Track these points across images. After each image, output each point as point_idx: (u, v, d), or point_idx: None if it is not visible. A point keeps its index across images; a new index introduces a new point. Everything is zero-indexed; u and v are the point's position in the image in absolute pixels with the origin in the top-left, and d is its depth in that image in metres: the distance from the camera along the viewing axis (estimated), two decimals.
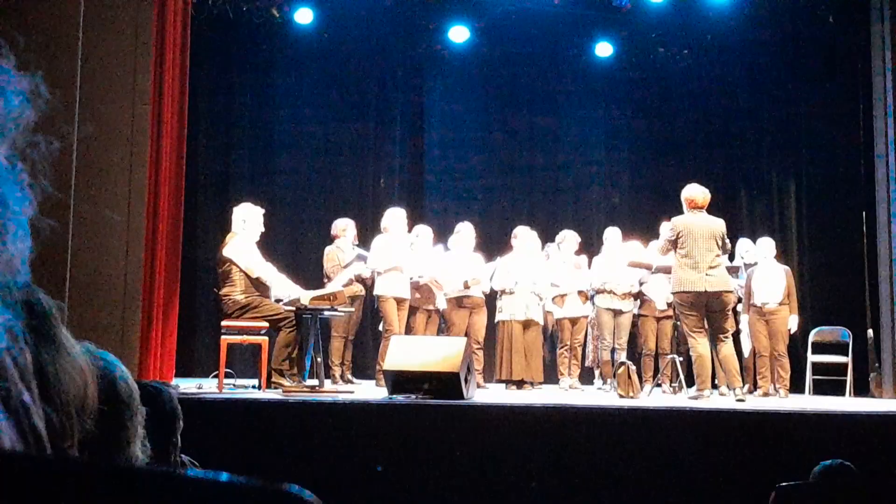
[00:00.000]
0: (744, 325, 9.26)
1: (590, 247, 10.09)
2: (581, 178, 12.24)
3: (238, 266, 7.33)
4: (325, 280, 8.91)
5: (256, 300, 7.30)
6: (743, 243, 9.66)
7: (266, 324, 7.22)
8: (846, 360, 9.48)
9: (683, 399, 7.89)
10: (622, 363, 8.04)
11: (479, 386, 8.09)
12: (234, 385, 7.79)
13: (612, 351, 9.34)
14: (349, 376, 9.17)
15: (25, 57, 0.84)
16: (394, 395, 6.56)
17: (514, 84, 12.10)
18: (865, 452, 5.53)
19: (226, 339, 7.17)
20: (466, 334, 8.70)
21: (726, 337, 7.76)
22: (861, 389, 9.53)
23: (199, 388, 7.32)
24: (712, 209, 7.92)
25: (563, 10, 11.18)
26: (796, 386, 9.15)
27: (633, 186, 12.22)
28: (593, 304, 9.52)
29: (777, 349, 8.84)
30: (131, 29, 6.68)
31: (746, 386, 8.58)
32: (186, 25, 8.12)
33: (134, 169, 6.64)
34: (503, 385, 9.01)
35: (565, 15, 11.28)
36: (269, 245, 8.64)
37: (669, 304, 9.15)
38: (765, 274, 9.01)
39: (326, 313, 7.49)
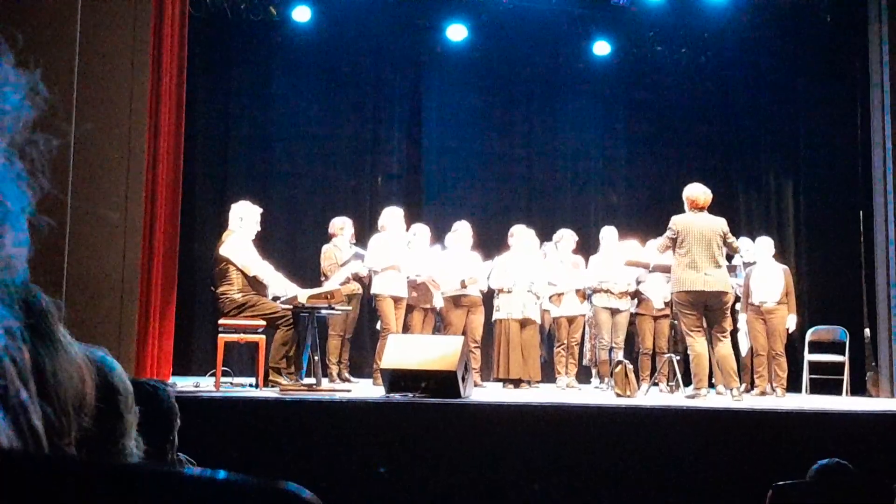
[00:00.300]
0: (742, 325, 9.26)
1: (587, 246, 10.09)
2: (579, 176, 12.24)
3: (235, 265, 7.33)
4: (323, 278, 8.90)
5: (254, 299, 7.30)
6: (743, 242, 9.66)
7: (263, 322, 7.22)
8: (843, 359, 9.49)
9: (680, 398, 7.90)
10: (619, 362, 8.04)
11: (476, 385, 8.10)
12: (231, 383, 7.79)
13: (610, 350, 9.34)
14: (346, 375, 9.17)
15: (23, 54, 0.83)
16: (391, 394, 6.55)
17: (512, 83, 12.10)
18: (862, 451, 5.54)
19: (223, 338, 7.17)
20: (464, 333, 8.71)
21: (724, 336, 7.77)
22: (858, 388, 9.55)
23: (197, 386, 7.32)
24: (711, 208, 7.93)
25: (560, 8, 11.20)
26: (793, 385, 9.16)
27: (631, 185, 12.23)
28: (591, 302, 9.52)
29: (775, 348, 8.85)
30: (129, 27, 6.67)
31: (743, 385, 8.60)
32: (184, 23, 8.11)
33: (131, 167, 6.63)
34: (500, 384, 9.02)
35: (563, 13, 11.29)
36: (267, 243, 8.64)
37: (667, 303, 9.15)
38: (763, 273, 9.02)
39: (324, 312, 7.49)
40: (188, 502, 0.62)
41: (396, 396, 6.45)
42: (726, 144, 12.14)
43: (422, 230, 9.33)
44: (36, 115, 0.80)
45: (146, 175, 7.00)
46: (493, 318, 9.14)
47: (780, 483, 3.71)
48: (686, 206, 7.87)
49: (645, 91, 12.15)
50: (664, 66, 11.98)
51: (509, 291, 8.99)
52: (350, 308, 8.70)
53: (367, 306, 9.58)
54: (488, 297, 9.27)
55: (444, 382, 6.47)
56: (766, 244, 9.18)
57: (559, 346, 9.43)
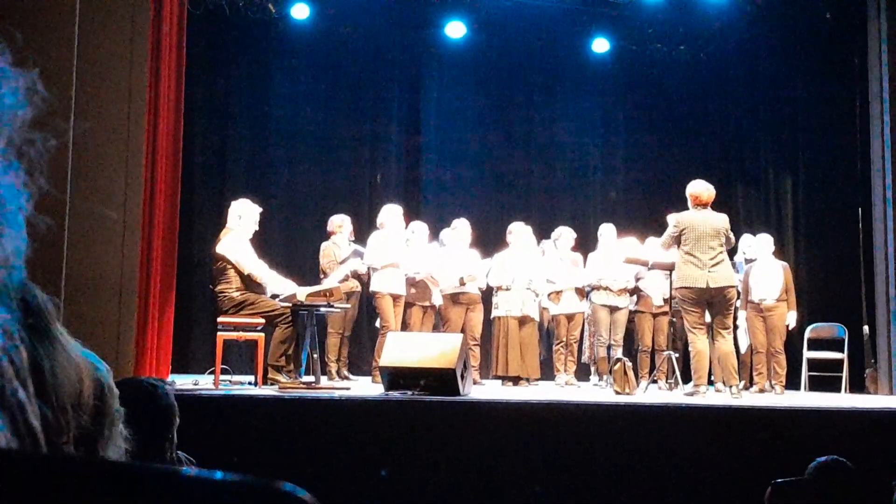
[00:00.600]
0: (741, 322, 9.26)
1: (586, 243, 10.08)
2: (577, 174, 12.24)
3: (232, 263, 7.33)
4: (322, 276, 8.90)
5: (252, 297, 7.30)
6: (745, 239, 9.65)
7: (262, 320, 7.22)
8: (842, 356, 9.49)
9: (679, 395, 7.90)
10: (618, 359, 8.04)
11: (475, 382, 8.10)
12: (230, 381, 7.79)
13: (609, 347, 9.34)
14: (345, 373, 9.17)
15: (21, 53, 0.84)
16: (390, 392, 6.55)
17: (511, 80, 12.10)
18: (861, 448, 5.54)
19: (222, 336, 7.17)
20: (463, 331, 8.71)
21: (727, 333, 7.79)
22: (857, 386, 9.55)
23: (196, 384, 7.32)
24: (711, 205, 7.94)
25: (559, 5, 11.20)
26: (792, 382, 9.16)
27: (630, 182, 12.23)
28: (589, 300, 9.52)
29: (774, 346, 8.85)
30: (128, 25, 6.66)
31: (742, 382, 8.61)
32: (183, 21, 8.11)
33: (130, 165, 6.62)
34: (499, 381, 9.02)
35: (562, 11, 11.29)
36: (266, 241, 8.65)
37: (666, 301, 9.16)
38: (763, 270, 9.02)
39: (323, 309, 7.49)
40: (185, 502, 0.62)
41: (395, 394, 6.45)
42: (725, 142, 12.14)
43: (420, 228, 9.33)
44: (34, 115, 0.80)
45: (145, 173, 7.00)
46: (492, 316, 9.15)
47: (779, 480, 3.71)
48: (689, 203, 7.89)
49: (644, 88, 12.15)
50: (663, 64, 11.98)
51: (508, 289, 9.00)
52: (349, 306, 8.70)
53: (367, 304, 9.59)
54: (487, 295, 9.27)
55: (443, 380, 6.48)
56: (765, 241, 9.18)
57: (558, 344, 9.43)
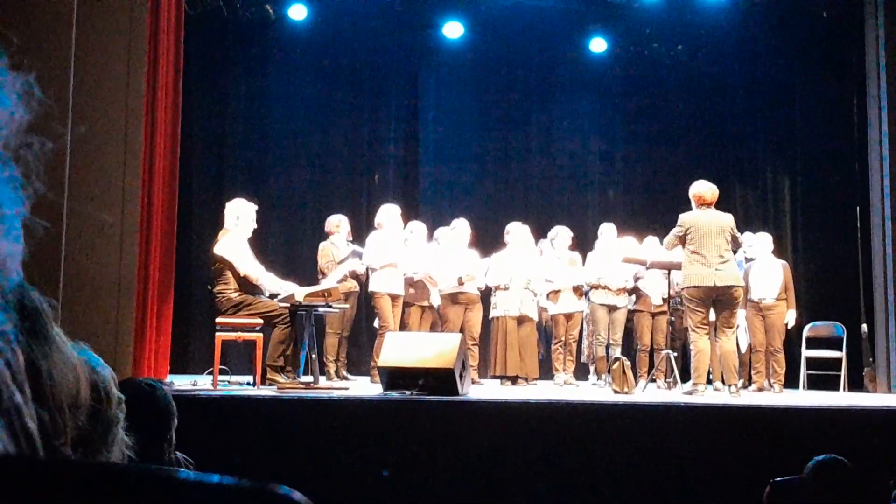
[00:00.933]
0: (741, 320, 9.25)
1: (583, 243, 10.08)
2: (575, 173, 12.24)
3: (229, 264, 7.33)
4: (320, 276, 8.91)
5: (250, 297, 7.30)
6: (746, 238, 9.65)
7: (261, 320, 7.22)
8: (840, 354, 9.50)
9: (678, 394, 7.90)
10: (617, 359, 8.04)
11: (473, 382, 8.10)
12: (228, 382, 7.79)
13: (607, 346, 9.35)
14: (344, 373, 9.17)
15: (19, 56, 0.84)
16: (389, 392, 6.56)
17: (509, 80, 12.10)
18: (859, 447, 5.55)
19: (220, 336, 7.17)
20: (461, 330, 8.71)
21: (731, 331, 7.80)
22: (855, 384, 9.56)
23: (194, 385, 7.32)
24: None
25: (557, 5, 11.20)
26: (790, 381, 9.17)
27: (627, 182, 12.24)
28: (588, 299, 9.52)
29: (773, 344, 8.86)
30: (125, 27, 6.66)
31: (741, 381, 8.61)
32: (180, 23, 8.11)
33: (128, 167, 6.62)
34: (498, 381, 9.02)
35: (559, 11, 11.30)
36: (264, 241, 8.66)
37: (665, 300, 9.17)
38: (762, 269, 9.02)
39: (321, 310, 7.49)
40: None
41: (394, 394, 6.46)
42: (723, 141, 12.14)
43: (418, 228, 9.33)
44: (31, 118, 0.80)
45: (143, 175, 7.00)
46: (491, 316, 9.15)
47: (778, 479, 3.71)
48: (693, 204, 7.89)
49: (641, 88, 12.15)
50: (661, 63, 11.99)
51: (506, 288, 9.00)
52: (347, 306, 8.71)
53: (365, 304, 9.59)
54: (486, 295, 9.27)
55: (441, 380, 6.48)
56: (765, 240, 9.19)
57: (557, 343, 9.43)
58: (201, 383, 7.43)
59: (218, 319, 7.27)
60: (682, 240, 7.78)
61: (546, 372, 9.62)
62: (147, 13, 7.05)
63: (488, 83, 12.09)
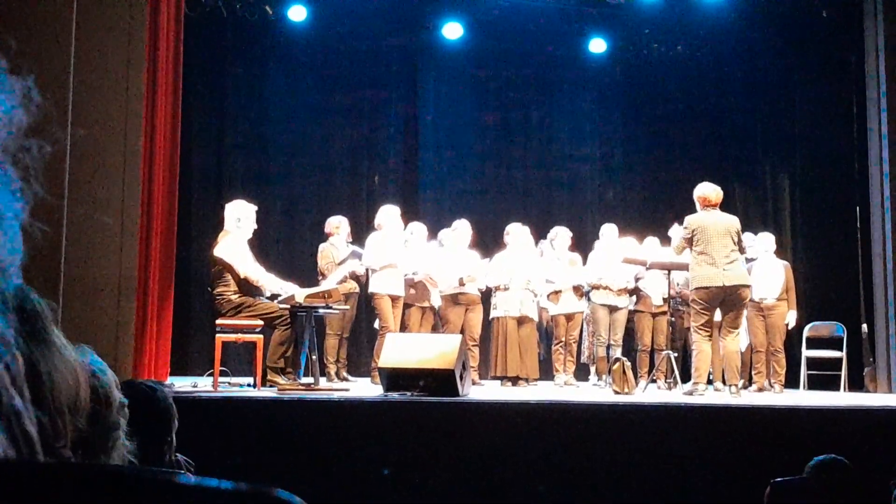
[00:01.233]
0: (742, 320, 9.25)
1: (583, 243, 10.08)
2: (575, 174, 12.23)
3: (229, 266, 7.33)
4: (320, 277, 8.90)
5: (250, 299, 7.30)
6: (747, 238, 9.63)
7: (261, 322, 7.21)
8: (840, 354, 9.50)
9: (678, 395, 7.90)
10: (617, 359, 8.04)
11: (474, 383, 8.10)
12: (229, 383, 7.79)
13: (608, 347, 9.35)
14: (344, 374, 9.17)
15: (19, 59, 0.84)
16: (389, 393, 6.56)
17: (508, 80, 12.10)
18: (859, 447, 5.55)
19: (220, 338, 7.16)
20: (462, 331, 8.71)
21: (735, 332, 7.81)
22: (855, 384, 9.56)
23: (195, 386, 7.31)
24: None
25: (556, 6, 11.20)
26: (791, 381, 9.17)
27: (627, 183, 12.23)
28: (589, 300, 9.52)
29: (774, 345, 8.86)
30: (125, 29, 6.66)
31: (741, 381, 8.61)
32: (180, 24, 8.11)
33: (128, 169, 6.63)
34: (498, 382, 9.02)
35: (559, 11, 11.29)
36: (264, 243, 8.65)
37: (665, 300, 9.16)
38: (763, 269, 9.02)
39: (321, 311, 7.49)
40: None
41: (394, 395, 6.46)
42: (723, 141, 12.13)
43: (419, 229, 9.34)
44: (31, 121, 0.80)
45: (142, 177, 7.01)
46: (491, 316, 9.15)
47: (778, 479, 3.71)
48: (698, 206, 7.89)
49: (641, 88, 12.15)
50: (660, 63, 11.99)
51: (506, 289, 9.00)
52: (347, 307, 8.71)
53: (365, 305, 9.59)
54: (486, 296, 9.27)
55: (442, 381, 6.48)
56: (767, 240, 9.18)
57: (557, 344, 9.42)
58: (201, 385, 7.43)
59: (218, 321, 7.27)
60: (689, 242, 7.78)
61: (546, 372, 9.62)
62: (146, 14, 7.05)
63: (488, 84, 12.09)
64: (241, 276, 7.31)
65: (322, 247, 9.20)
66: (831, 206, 10.93)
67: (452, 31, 11.42)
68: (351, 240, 9.34)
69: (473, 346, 8.84)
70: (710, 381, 8.05)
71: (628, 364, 7.94)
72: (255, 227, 7.71)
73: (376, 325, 8.93)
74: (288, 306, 7.26)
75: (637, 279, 9.44)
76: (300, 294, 7.27)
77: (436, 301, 9.11)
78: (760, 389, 8.73)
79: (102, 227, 6.31)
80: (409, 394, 6.43)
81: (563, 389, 8.98)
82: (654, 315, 9.48)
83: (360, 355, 10.19)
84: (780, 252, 9.44)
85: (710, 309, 7.72)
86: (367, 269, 8.92)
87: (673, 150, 12.03)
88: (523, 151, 12.18)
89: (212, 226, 9.21)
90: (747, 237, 9.45)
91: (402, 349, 6.84)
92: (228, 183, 10.88)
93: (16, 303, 0.83)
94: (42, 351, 1.01)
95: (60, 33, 5.75)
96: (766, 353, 8.87)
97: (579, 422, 6.21)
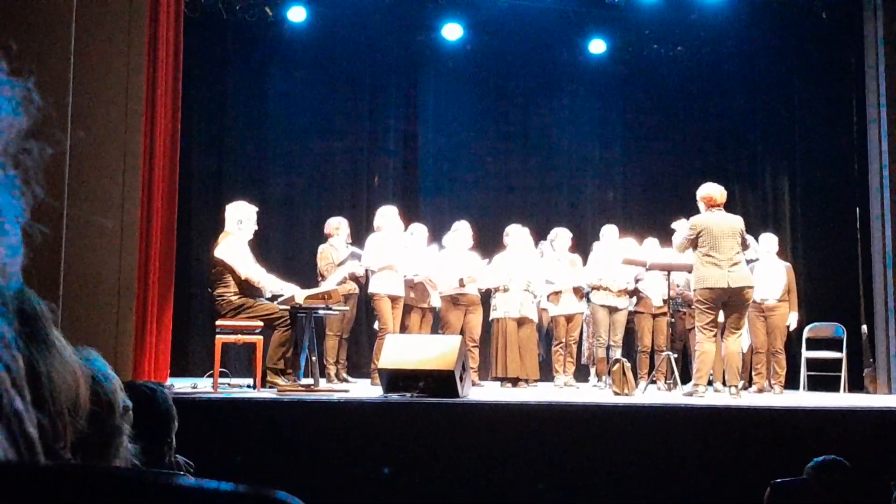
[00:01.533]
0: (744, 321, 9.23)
1: (583, 244, 10.09)
2: (575, 175, 12.24)
3: (229, 267, 7.33)
4: (319, 278, 8.91)
5: (250, 300, 7.30)
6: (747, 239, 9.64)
7: (261, 323, 7.21)
8: (840, 355, 9.50)
9: (678, 396, 7.90)
10: (617, 360, 8.05)
11: (474, 384, 8.10)
12: (228, 384, 7.78)
13: (608, 348, 9.35)
14: (344, 375, 9.17)
15: (18, 60, 0.84)
16: (389, 394, 6.56)
17: (508, 81, 12.11)
18: (859, 448, 5.55)
19: (220, 339, 7.16)
20: (461, 332, 8.70)
21: (737, 332, 7.81)
22: (855, 385, 9.56)
23: (194, 387, 7.31)
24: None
25: (556, 7, 11.20)
26: (791, 382, 9.17)
27: (627, 183, 12.24)
28: (588, 301, 9.52)
29: (774, 346, 8.86)
30: (124, 30, 6.66)
31: (741, 382, 8.60)
32: (179, 25, 8.10)
33: (127, 171, 6.62)
34: (498, 383, 9.02)
35: (558, 12, 11.30)
36: (263, 244, 8.65)
37: (665, 301, 9.16)
38: (765, 270, 9.01)
39: (321, 312, 7.49)
40: None
41: (394, 396, 6.45)
42: (722, 142, 12.14)
43: (419, 230, 9.34)
44: (30, 122, 0.80)
45: (142, 178, 7.00)
46: (491, 318, 9.15)
47: (778, 480, 3.72)
48: (703, 206, 7.88)
49: (641, 89, 12.16)
50: (660, 64, 11.99)
51: (506, 290, 9.00)
52: (347, 308, 8.71)
53: (365, 306, 9.59)
54: (486, 297, 9.27)
55: (441, 382, 6.48)
56: (769, 241, 9.18)
57: (557, 345, 9.42)
58: (201, 386, 7.42)
59: (218, 322, 7.27)
60: (694, 242, 7.77)
61: (546, 374, 9.62)
62: (146, 15, 7.05)
63: (488, 85, 12.09)
64: (242, 278, 7.31)
65: (321, 248, 9.20)
66: (831, 206, 10.93)
67: (452, 31, 11.43)
68: (350, 241, 9.34)
69: (473, 347, 8.84)
70: (709, 383, 8.05)
71: (628, 365, 7.94)
72: (256, 228, 7.72)
73: (376, 326, 8.93)
74: (288, 307, 7.27)
75: (637, 280, 9.43)
76: (300, 295, 7.27)
77: (436, 302, 9.12)
78: (760, 390, 8.73)
79: (102, 229, 6.31)
80: (408, 395, 6.43)
81: (562, 390, 8.99)
82: (654, 316, 9.48)
83: (359, 356, 10.19)
84: (781, 253, 9.44)
85: (714, 308, 7.72)
86: (366, 271, 8.92)
87: (673, 150, 12.03)
88: (523, 152, 12.18)
89: (212, 227, 9.21)
90: (749, 239, 9.46)
91: (402, 350, 6.84)
92: (228, 184, 10.88)
93: (16, 304, 0.83)
94: (42, 352, 1.01)
95: (60, 34, 5.75)
96: (767, 354, 8.87)
97: (579, 423, 6.21)
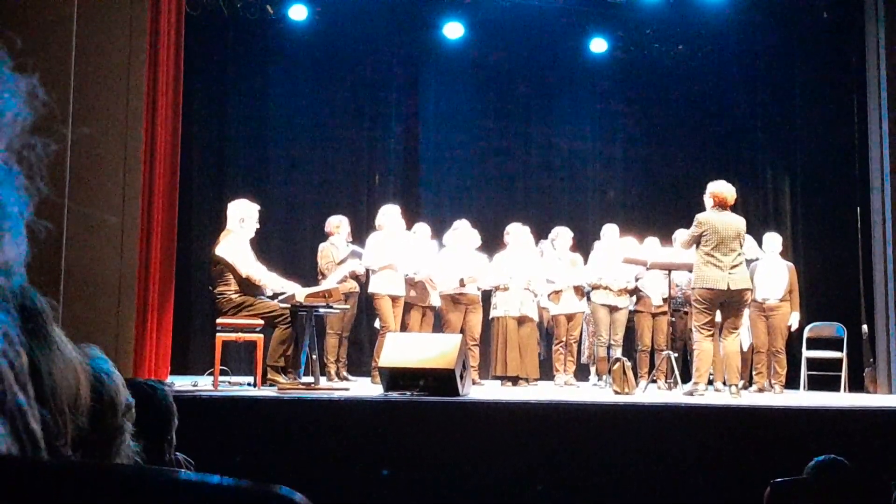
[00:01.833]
0: (744, 320, 9.23)
1: (584, 243, 10.08)
2: (575, 174, 12.24)
3: (230, 265, 7.33)
4: (320, 277, 8.90)
5: (251, 298, 7.30)
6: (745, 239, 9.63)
7: (261, 321, 7.21)
8: (841, 355, 9.50)
9: (678, 395, 7.90)
10: (617, 359, 8.04)
11: (474, 383, 8.10)
12: (229, 382, 7.79)
13: (608, 347, 9.34)
14: (344, 373, 9.17)
15: (20, 58, 0.84)
16: (389, 393, 6.56)
17: (509, 80, 12.11)
18: (860, 448, 5.55)
19: (221, 337, 7.16)
20: (461, 332, 8.70)
21: (735, 332, 7.81)
22: (855, 385, 9.55)
23: (195, 385, 7.32)
24: (704, 206, 7.94)
25: (557, 6, 11.20)
26: (791, 381, 9.17)
27: (628, 182, 12.24)
28: (589, 300, 9.52)
29: (775, 345, 8.85)
30: (125, 28, 6.66)
31: (742, 382, 8.60)
32: (181, 23, 8.11)
33: (128, 168, 6.63)
34: (498, 382, 9.02)
35: (560, 11, 11.30)
36: (264, 242, 8.65)
37: (665, 300, 9.16)
38: (768, 269, 9.00)
39: (321, 310, 7.49)
40: None
41: (395, 395, 6.46)
42: (723, 142, 12.14)
43: (422, 229, 9.35)
44: (33, 119, 0.80)
45: (143, 176, 7.00)
46: (491, 316, 9.15)
47: (778, 480, 3.71)
48: (711, 203, 7.82)
49: (642, 88, 12.16)
50: (661, 64, 11.99)
51: (506, 289, 9.00)
52: (348, 306, 8.70)
53: (366, 305, 9.59)
54: (486, 296, 9.27)
55: (442, 380, 6.48)
56: (773, 241, 9.17)
57: (558, 344, 9.42)
58: (202, 384, 7.43)
59: (219, 320, 7.27)
60: (697, 240, 7.74)
61: (546, 372, 9.62)
62: (147, 13, 7.05)
63: (488, 83, 12.09)
64: (244, 276, 7.31)
65: (322, 246, 9.20)
66: (832, 206, 10.92)
67: (453, 30, 11.43)
68: (351, 239, 9.34)
69: (473, 345, 8.84)
70: (710, 382, 8.05)
71: (628, 364, 7.94)
72: (258, 226, 7.72)
73: (377, 324, 8.93)
74: (288, 305, 7.27)
75: (637, 279, 9.43)
76: (300, 293, 7.27)
77: (436, 301, 9.11)
78: (761, 390, 8.73)
79: (103, 226, 6.31)
80: (409, 393, 6.44)
81: (563, 389, 8.98)
82: (654, 315, 9.48)
83: (360, 355, 10.19)
84: (782, 252, 9.43)
85: (712, 308, 7.71)
86: (366, 269, 8.92)
87: (673, 149, 12.03)
88: (524, 151, 12.18)
89: (212, 224, 9.22)
90: (748, 239, 9.45)
91: (403, 349, 6.85)
92: (229, 181, 10.88)
93: (18, 301, 0.83)
94: (42, 349, 1.01)
95: (61, 31, 5.75)
96: (767, 354, 8.87)
97: (579, 422, 6.21)
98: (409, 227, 9.26)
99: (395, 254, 8.74)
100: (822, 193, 11.07)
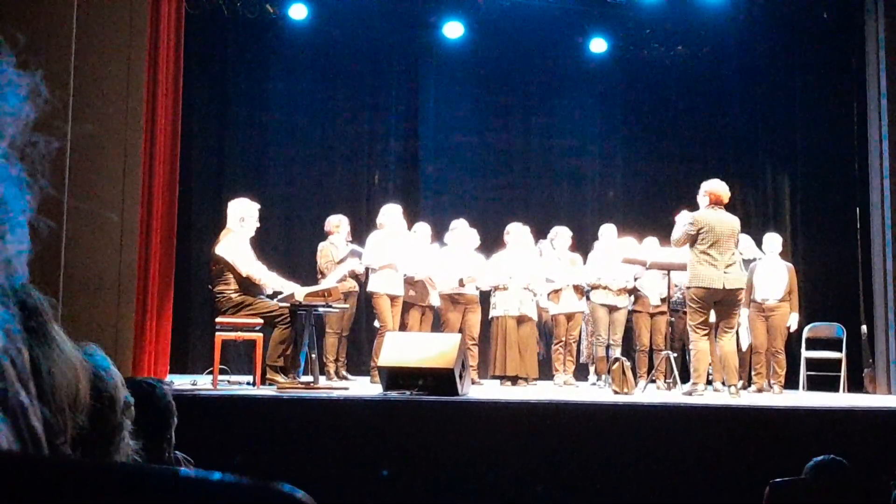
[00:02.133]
0: (743, 320, 9.23)
1: (583, 243, 10.08)
2: (575, 174, 12.23)
3: (230, 264, 7.33)
4: (319, 276, 8.90)
5: (250, 297, 7.30)
6: (743, 239, 9.62)
7: (261, 320, 7.21)
8: (840, 355, 9.49)
9: (678, 395, 7.90)
10: (616, 359, 8.04)
11: (473, 382, 8.10)
12: (228, 382, 7.79)
13: (607, 347, 9.34)
14: (343, 373, 9.17)
15: (21, 56, 0.84)
16: (388, 392, 6.56)
17: (509, 80, 12.11)
18: (859, 448, 5.55)
19: (220, 336, 7.16)
20: (461, 331, 8.70)
21: (731, 332, 7.80)
22: (855, 385, 9.55)
23: (194, 384, 7.32)
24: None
25: (557, 6, 11.20)
26: (790, 382, 9.16)
27: (627, 182, 12.23)
28: (588, 300, 9.52)
29: (774, 345, 8.85)
30: (126, 26, 6.66)
31: (741, 382, 8.60)
32: (181, 22, 8.11)
33: (128, 166, 6.63)
34: (498, 381, 9.02)
35: (560, 11, 11.29)
36: (264, 241, 8.64)
37: (663, 300, 9.16)
38: (767, 269, 8.99)
39: (321, 309, 7.49)
40: (183, 503, 0.63)
41: (394, 394, 6.46)
42: (723, 142, 12.13)
43: (423, 228, 9.35)
44: (36, 116, 0.80)
45: (143, 174, 7.01)
46: (490, 316, 9.15)
47: (778, 480, 3.71)
48: (706, 201, 7.83)
49: (641, 88, 12.16)
50: (661, 64, 11.99)
51: (506, 288, 9.00)
52: (347, 306, 8.70)
53: (365, 304, 9.58)
54: (485, 296, 9.27)
55: (441, 380, 6.48)
56: (773, 241, 9.16)
57: (557, 344, 9.42)
58: (201, 383, 7.43)
59: (218, 319, 7.27)
60: (693, 238, 7.74)
61: (546, 372, 9.62)
62: (147, 13, 7.05)
63: (488, 83, 12.08)
64: (243, 275, 7.31)
65: (322, 245, 9.19)
66: (831, 206, 10.92)
67: (453, 30, 11.42)
68: (351, 239, 9.34)
69: (472, 345, 8.84)
70: (709, 382, 8.05)
71: (628, 364, 7.94)
72: (258, 225, 7.72)
73: (376, 324, 8.92)
74: (288, 305, 7.26)
75: (636, 279, 9.43)
76: (300, 292, 7.26)
77: (435, 301, 9.11)
78: (760, 390, 8.73)
79: (103, 224, 6.31)
80: (408, 393, 6.43)
81: (562, 389, 8.98)
82: (653, 315, 9.47)
83: (359, 354, 10.19)
84: (782, 253, 9.43)
85: (706, 308, 7.71)
86: (366, 268, 8.92)
87: (673, 150, 12.02)
88: (524, 151, 12.18)
89: (212, 223, 9.21)
90: (746, 239, 9.46)
91: (402, 348, 6.84)
92: (228, 181, 10.87)
93: (19, 299, 0.83)
94: (43, 348, 1.01)
95: (61, 31, 5.75)
96: (766, 354, 8.86)
97: (578, 422, 6.21)
98: (409, 227, 9.26)
99: (395, 253, 8.74)
100: (822, 194, 11.07)
